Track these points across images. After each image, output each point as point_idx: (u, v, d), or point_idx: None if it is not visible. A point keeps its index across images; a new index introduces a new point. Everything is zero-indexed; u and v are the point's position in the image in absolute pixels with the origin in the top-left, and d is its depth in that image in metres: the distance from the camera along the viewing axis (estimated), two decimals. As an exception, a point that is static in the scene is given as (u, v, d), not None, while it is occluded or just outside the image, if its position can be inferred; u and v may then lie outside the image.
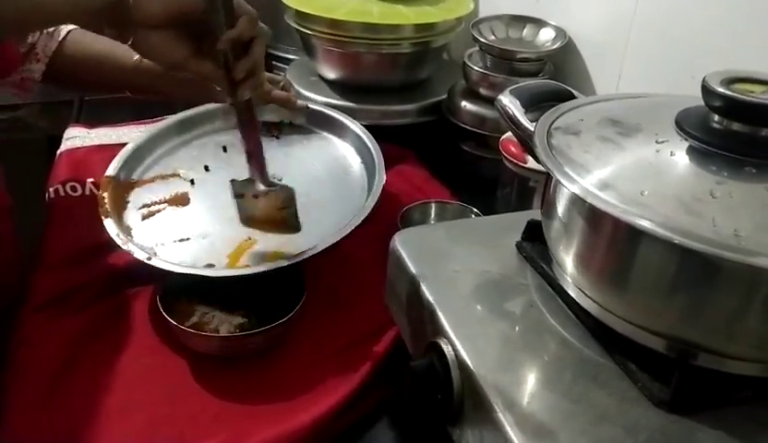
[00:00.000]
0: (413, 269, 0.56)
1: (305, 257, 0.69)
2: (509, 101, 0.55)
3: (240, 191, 0.71)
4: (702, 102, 0.45)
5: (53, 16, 0.58)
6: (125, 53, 0.83)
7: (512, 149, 0.82)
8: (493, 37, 1.01)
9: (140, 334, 0.70)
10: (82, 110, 1.21)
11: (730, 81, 0.44)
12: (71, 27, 0.85)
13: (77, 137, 1.05)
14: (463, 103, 0.99)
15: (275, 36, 1.34)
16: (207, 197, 0.83)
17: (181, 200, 0.82)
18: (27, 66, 0.81)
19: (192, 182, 0.85)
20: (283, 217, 0.72)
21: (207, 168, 0.88)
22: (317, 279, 0.73)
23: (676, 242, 0.38)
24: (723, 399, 0.44)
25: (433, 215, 0.87)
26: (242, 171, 0.77)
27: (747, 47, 0.71)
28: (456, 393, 0.47)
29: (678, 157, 0.44)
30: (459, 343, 0.48)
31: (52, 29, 0.83)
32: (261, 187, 0.71)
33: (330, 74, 1.10)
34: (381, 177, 0.81)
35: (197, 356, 0.66)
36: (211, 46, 0.59)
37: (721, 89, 0.43)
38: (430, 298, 0.53)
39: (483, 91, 0.98)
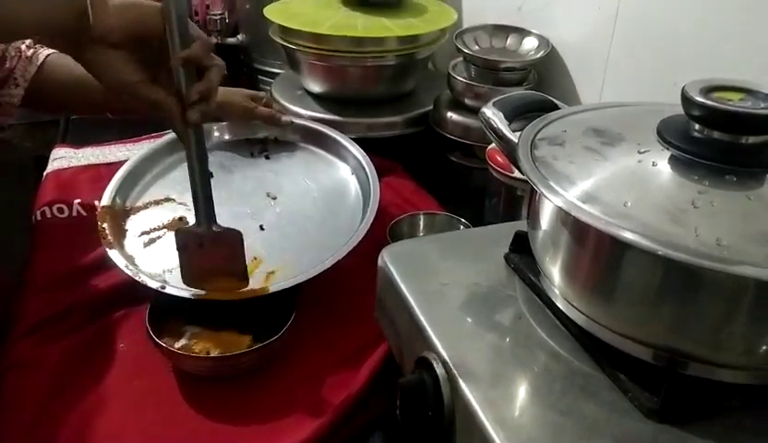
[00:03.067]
0: (401, 284, 0.56)
1: (295, 282, 0.69)
2: (492, 114, 0.56)
3: (183, 242, 0.67)
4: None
5: (14, 27, 0.57)
6: None
7: (499, 158, 0.83)
8: (477, 47, 1.02)
9: (131, 356, 0.69)
10: (68, 130, 1.21)
11: (709, 90, 0.45)
12: (49, 51, 0.85)
13: (63, 158, 1.05)
14: (449, 114, 1.00)
15: (259, 50, 1.35)
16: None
17: (180, 225, 0.81)
18: (5, 91, 0.81)
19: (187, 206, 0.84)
20: (231, 269, 0.68)
21: None
22: (307, 294, 0.72)
23: (659, 253, 0.38)
24: (712, 407, 0.44)
25: (422, 227, 0.87)
26: (232, 193, 0.79)
27: (726, 53, 0.71)
28: (447, 409, 0.46)
29: (660, 166, 0.45)
30: (448, 358, 0.48)
31: (30, 53, 0.84)
32: (207, 234, 0.66)
33: (316, 87, 1.10)
34: (377, 195, 0.82)
35: (189, 377, 0.66)
36: (165, 76, 0.59)
37: (700, 99, 0.44)
38: (419, 313, 0.53)
39: (468, 102, 0.98)
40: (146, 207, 0.84)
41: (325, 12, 1.07)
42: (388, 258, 0.60)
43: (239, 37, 1.38)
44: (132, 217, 0.82)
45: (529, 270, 0.55)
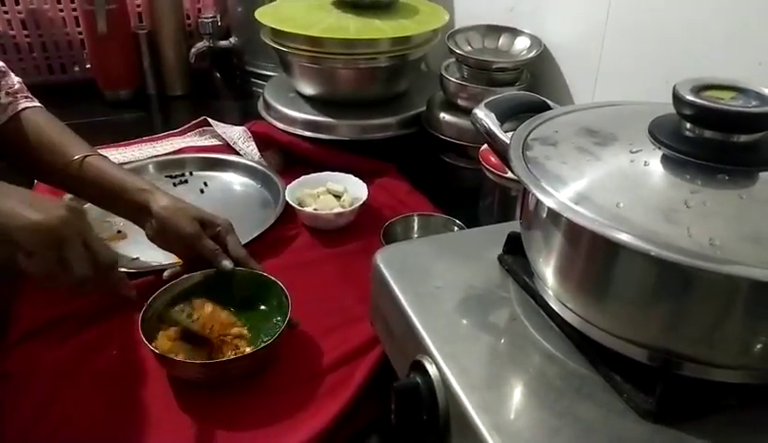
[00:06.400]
0: (395, 287, 0.56)
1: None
2: (484, 115, 0.55)
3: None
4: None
5: None
6: (78, 147, 0.78)
7: (492, 159, 0.82)
8: (469, 48, 1.02)
9: (124, 363, 0.69)
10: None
11: (700, 89, 0.45)
12: (30, 104, 0.78)
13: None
14: (442, 115, 1.00)
15: (252, 53, 1.35)
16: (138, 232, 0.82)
17: (119, 237, 0.89)
18: None
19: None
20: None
21: None
22: (301, 297, 0.72)
23: (653, 254, 0.37)
24: (707, 407, 0.44)
25: (416, 228, 0.87)
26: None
27: (718, 51, 0.71)
28: (441, 413, 0.46)
29: (653, 166, 0.44)
30: (442, 361, 0.47)
31: (7, 101, 0.76)
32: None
33: (309, 90, 1.10)
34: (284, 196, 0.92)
35: (182, 383, 0.65)
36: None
37: (691, 98, 0.44)
38: (413, 316, 0.53)
39: (461, 102, 0.98)
40: None
41: (317, 14, 1.06)
42: (381, 261, 0.59)
43: (231, 40, 1.38)
44: None
45: (523, 272, 0.55)
